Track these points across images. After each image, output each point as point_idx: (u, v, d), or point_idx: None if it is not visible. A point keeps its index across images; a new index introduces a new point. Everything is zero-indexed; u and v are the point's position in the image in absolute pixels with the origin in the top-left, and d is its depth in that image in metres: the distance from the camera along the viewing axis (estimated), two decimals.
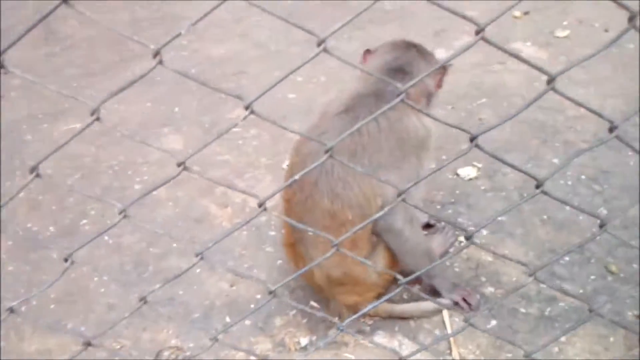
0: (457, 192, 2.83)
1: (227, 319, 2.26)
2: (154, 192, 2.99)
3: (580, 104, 1.09)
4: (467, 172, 2.94)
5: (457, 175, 2.94)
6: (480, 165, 3.00)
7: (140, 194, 1.16)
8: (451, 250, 2.50)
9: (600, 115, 1.13)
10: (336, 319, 2.23)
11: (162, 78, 4.09)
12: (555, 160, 2.99)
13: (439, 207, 2.75)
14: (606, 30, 4.24)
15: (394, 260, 2.13)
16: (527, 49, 4.13)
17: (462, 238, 2.56)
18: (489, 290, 2.31)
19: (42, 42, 4.79)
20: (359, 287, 2.07)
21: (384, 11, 4.99)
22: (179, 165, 1.06)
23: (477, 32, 0.99)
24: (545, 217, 2.64)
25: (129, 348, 2.17)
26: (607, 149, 3.02)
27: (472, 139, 1.10)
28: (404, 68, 1.98)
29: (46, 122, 3.62)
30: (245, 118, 1.02)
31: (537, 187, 1.17)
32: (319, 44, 0.96)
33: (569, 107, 3.40)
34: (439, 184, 2.88)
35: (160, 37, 5.11)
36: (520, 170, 1.22)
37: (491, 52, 4.29)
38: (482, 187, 2.85)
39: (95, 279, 2.48)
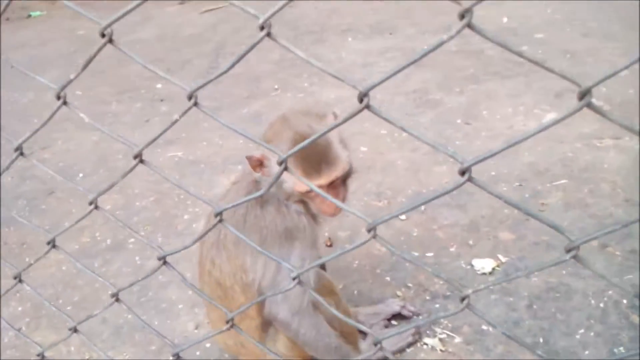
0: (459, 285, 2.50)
1: (171, 358, 2.43)
2: (194, 225, 3.34)
3: None
4: (483, 264, 2.57)
5: (472, 265, 2.59)
6: (504, 260, 2.59)
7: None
8: (409, 349, 2.24)
9: None
10: None
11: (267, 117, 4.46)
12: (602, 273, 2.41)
13: (428, 297, 2.48)
14: None
15: None
16: None
17: (429, 340, 2.27)
18: None
19: (204, 74, 5.62)
20: None
21: (518, 62, 4.55)
22: None
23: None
24: (540, 340, 2.18)
25: None
26: None
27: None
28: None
29: (160, 147, 4.28)
30: None
31: None
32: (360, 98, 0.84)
33: None
34: (445, 271, 2.59)
35: (289, 77, 5.57)
36: None
37: (610, 124, 3.57)
38: (491, 287, 2.46)
39: (109, 292, 2.89)
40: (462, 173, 0.85)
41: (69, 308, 2.81)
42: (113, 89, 5.54)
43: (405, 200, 3.15)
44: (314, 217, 1.90)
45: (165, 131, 1.04)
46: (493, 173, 3.23)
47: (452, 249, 2.71)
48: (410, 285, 2.56)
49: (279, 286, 1.84)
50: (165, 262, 1.24)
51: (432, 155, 3.52)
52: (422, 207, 3.05)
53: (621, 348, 2.08)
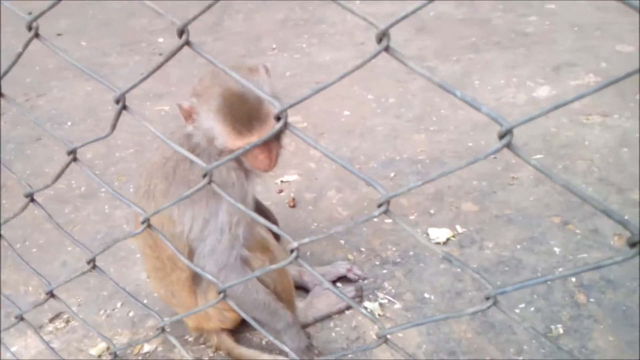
0: (411, 253, 2.47)
1: (118, 305, 2.48)
2: None
3: None
4: (438, 234, 2.53)
5: (427, 234, 2.55)
6: (461, 231, 2.54)
7: None
8: (348, 312, 2.23)
9: None
10: (191, 338, 2.28)
11: None
12: (557, 249, 2.34)
13: (377, 263, 2.45)
14: None
15: None
16: None
17: (369, 304, 2.25)
18: None
19: (207, 31, 5.55)
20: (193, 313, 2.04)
21: (522, 33, 4.38)
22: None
23: None
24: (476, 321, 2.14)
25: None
26: None
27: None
28: None
29: (150, 100, 4.28)
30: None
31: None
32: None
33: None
34: (401, 238, 2.55)
35: (289, 37, 5.48)
36: None
37: (601, 100, 3.41)
38: (442, 256, 2.41)
39: (76, 236, 2.95)
40: (278, 119, 0.82)
41: (34, 250, 2.88)
42: (116, 41, 5.55)
43: (376, 166, 3.09)
44: (247, 172, 1.87)
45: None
46: (470, 144, 3.14)
47: (411, 217, 2.66)
48: (362, 249, 2.53)
49: (207, 240, 1.84)
50: (32, 200, 1.24)
51: (414, 123, 3.44)
52: (392, 174, 2.99)
53: (559, 325, 2.03)
